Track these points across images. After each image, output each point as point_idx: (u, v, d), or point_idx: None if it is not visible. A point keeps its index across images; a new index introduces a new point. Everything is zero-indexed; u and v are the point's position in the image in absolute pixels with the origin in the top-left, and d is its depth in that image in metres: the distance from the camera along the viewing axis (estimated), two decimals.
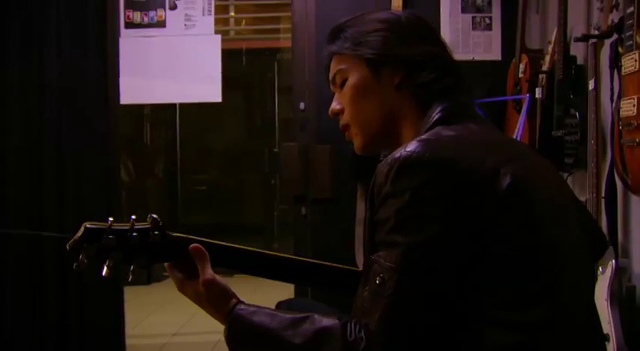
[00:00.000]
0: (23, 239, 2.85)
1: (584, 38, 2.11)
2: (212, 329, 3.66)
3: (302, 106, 3.22)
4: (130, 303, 3.00)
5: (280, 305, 1.45)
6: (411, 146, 1.00)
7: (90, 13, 2.88)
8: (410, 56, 1.14)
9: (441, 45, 1.20)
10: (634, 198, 2.01)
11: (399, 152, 1.01)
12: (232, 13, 5.73)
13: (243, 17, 5.82)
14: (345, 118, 1.21)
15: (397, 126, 1.17)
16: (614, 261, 1.92)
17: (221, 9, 5.07)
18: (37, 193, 2.89)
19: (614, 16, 1.98)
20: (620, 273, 1.94)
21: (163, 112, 6.30)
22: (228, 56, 4.36)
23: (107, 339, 2.90)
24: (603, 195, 2.07)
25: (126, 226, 1.14)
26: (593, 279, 1.66)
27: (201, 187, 6.52)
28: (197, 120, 6.40)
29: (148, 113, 6.20)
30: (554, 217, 1.06)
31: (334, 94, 1.24)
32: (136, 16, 3.34)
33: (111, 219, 1.13)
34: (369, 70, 1.16)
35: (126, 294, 2.96)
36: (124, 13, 3.33)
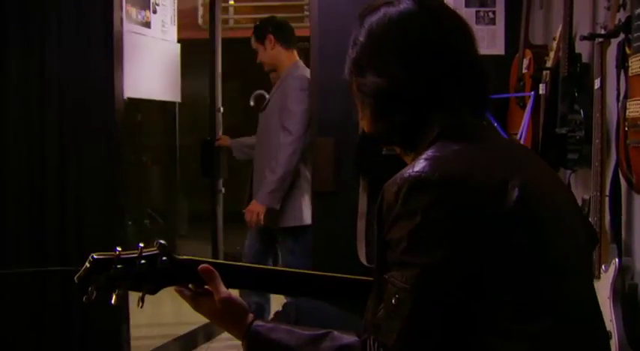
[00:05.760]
0: (23, 239, 2.85)
1: (591, 37, 2.10)
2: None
3: None
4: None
5: (287, 306, 1.46)
6: (419, 166, 1.01)
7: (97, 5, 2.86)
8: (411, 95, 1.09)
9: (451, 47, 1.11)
10: (638, 197, 2.02)
11: (407, 172, 1.01)
12: (232, 2, 5.71)
13: (243, 6, 5.80)
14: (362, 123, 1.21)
15: None
16: (617, 259, 1.93)
17: None
18: (40, 187, 2.87)
19: (621, 16, 1.97)
20: (623, 271, 1.95)
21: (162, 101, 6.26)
22: (228, 45, 4.35)
23: (110, 341, 2.91)
24: (607, 193, 2.08)
25: (134, 254, 1.16)
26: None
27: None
28: (196, 109, 6.37)
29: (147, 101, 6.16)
30: (561, 224, 1.07)
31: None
32: (132, 12, 3.33)
33: (119, 249, 1.15)
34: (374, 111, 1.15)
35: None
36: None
